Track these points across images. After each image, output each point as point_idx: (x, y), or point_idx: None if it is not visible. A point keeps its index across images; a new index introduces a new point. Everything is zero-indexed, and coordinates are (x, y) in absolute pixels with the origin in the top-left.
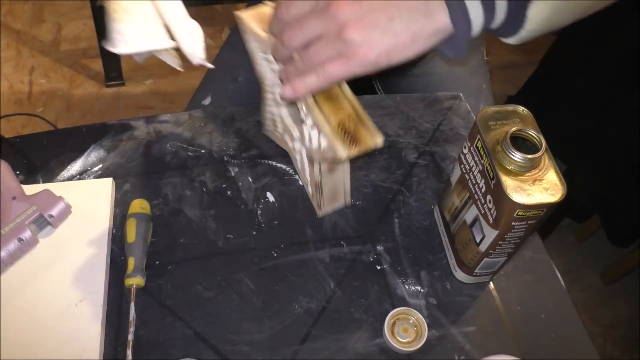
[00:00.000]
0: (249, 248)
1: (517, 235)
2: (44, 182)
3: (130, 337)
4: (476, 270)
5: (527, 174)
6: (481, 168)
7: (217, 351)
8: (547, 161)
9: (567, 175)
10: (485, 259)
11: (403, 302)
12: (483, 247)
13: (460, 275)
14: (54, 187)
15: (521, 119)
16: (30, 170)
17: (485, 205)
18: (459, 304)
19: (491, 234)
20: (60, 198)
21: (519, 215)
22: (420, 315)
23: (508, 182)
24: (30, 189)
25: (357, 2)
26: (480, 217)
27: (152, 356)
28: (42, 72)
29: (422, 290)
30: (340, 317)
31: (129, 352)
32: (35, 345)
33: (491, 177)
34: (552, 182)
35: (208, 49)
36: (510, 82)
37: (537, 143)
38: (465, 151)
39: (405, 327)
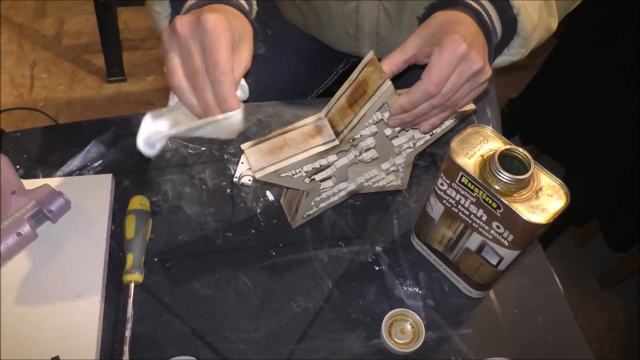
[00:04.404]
0: (248, 246)
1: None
2: (43, 176)
3: (128, 333)
4: (492, 284)
5: (527, 188)
6: (474, 200)
7: (213, 349)
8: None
9: (567, 179)
10: (504, 274)
11: (401, 304)
12: (503, 267)
13: (476, 294)
14: (54, 182)
15: (486, 138)
16: (30, 165)
17: (493, 231)
18: (457, 306)
19: (511, 254)
20: (59, 193)
21: (541, 231)
22: (418, 317)
23: (518, 207)
24: (29, 184)
25: (479, 48)
26: (490, 242)
27: (149, 353)
28: (44, 66)
29: (420, 292)
30: (337, 317)
31: (126, 349)
32: (33, 340)
33: (495, 206)
34: (551, 186)
35: None
36: (511, 85)
37: (522, 159)
38: (444, 187)
39: (403, 329)
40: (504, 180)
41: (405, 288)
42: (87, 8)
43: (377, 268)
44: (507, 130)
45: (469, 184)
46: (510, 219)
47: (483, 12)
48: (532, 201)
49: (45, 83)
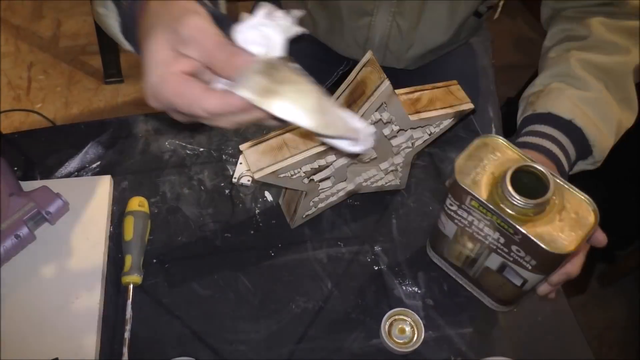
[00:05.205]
0: (247, 247)
1: None
2: (41, 178)
3: (127, 335)
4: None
5: (547, 210)
6: (488, 223)
7: (213, 350)
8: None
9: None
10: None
11: (400, 303)
12: (528, 287)
13: (502, 308)
14: (52, 184)
15: (496, 150)
16: (28, 167)
17: (513, 254)
18: (456, 305)
19: (536, 277)
20: (57, 195)
21: (569, 258)
22: (417, 316)
23: (537, 234)
24: (28, 186)
25: None
26: (511, 264)
27: (149, 354)
28: (41, 68)
29: (419, 291)
30: (337, 318)
31: (125, 350)
32: (32, 342)
33: (511, 232)
34: (576, 204)
35: None
36: (509, 84)
37: (540, 176)
38: (454, 208)
39: (402, 328)
40: (518, 205)
41: (404, 288)
42: (84, 9)
43: (376, 268)
44: (505, 129)
45: (480, 208)
46: (530, 246)
47: (563, 161)
48: (554, 223)
49: (43, 85)
